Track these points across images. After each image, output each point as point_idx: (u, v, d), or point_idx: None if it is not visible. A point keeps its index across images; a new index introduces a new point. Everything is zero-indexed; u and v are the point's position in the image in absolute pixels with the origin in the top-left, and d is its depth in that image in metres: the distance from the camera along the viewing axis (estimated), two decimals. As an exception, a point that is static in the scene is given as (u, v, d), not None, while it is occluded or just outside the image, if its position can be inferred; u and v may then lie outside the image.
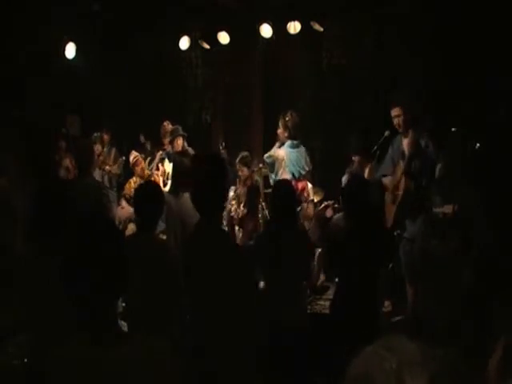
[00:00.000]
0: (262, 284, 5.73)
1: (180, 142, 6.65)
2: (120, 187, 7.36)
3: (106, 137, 8.04)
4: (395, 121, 5.13)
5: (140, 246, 3.12)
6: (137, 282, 2.19)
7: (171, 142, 6.69)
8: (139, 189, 3.75)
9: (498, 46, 6.07)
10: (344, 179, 6.37)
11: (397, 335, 0.76)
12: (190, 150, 6.60)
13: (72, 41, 7.28)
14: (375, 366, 0.71)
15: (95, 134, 7.78)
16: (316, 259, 5.31)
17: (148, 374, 1.52)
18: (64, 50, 7.26)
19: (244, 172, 6.40)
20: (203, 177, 2.68)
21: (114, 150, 8.00)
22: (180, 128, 6.77)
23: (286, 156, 6.02)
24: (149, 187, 3.67)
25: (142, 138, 8.76)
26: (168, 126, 6.94)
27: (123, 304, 3.38)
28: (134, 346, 1.55)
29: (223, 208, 2.79)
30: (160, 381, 1.55)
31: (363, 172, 6.11)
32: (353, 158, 6.31)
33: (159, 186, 4.31)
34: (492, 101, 6.23)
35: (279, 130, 6.09)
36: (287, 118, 6.04)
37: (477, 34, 6.12)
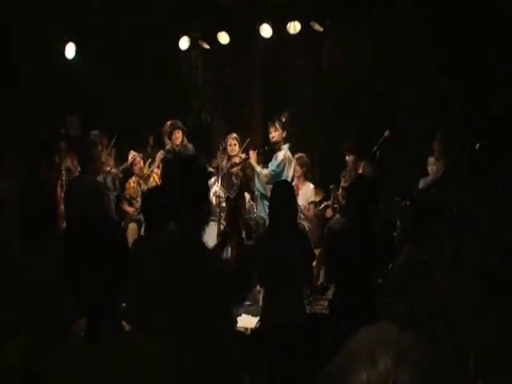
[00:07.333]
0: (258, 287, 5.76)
1: (179, 135, 6.54)
2: (120, 188, 7.31)
3: (104, 139, 7.95)
4: None
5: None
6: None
7: (170, 137, 6.62)
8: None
9: (498, 47, 6.07)
10: (343, 174, 6.35)
11: (390, 322, 0.82)
12: (190, 146, 6.53)
13: (72, 41, 7.28)
14: (359, 343, 0.80)
15: (93, 132, 7.68)
16: (316, 259, 5.31)
17: (148, 374, 1.52)
18: (64, 49, 7.26)
19: (234, 149, 6.27)
20: (179, 178, 2.24)
21: (114, 151, 7.94)
22: (179, 121, 6.71)
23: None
24: None
25: (150, 141, 8.65)
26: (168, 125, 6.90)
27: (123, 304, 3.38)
28: (134, 346, 1.55)
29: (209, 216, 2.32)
30: (159, 381, 1.55)
31: (357, 171, 6.08)
32: (346, 157, 6.26)
33: None
34: (492, 101, 6.23)
35: (277, 132, 5.81)
36: (283, 119, 5.85)
37: (477, 34, 6.11)
